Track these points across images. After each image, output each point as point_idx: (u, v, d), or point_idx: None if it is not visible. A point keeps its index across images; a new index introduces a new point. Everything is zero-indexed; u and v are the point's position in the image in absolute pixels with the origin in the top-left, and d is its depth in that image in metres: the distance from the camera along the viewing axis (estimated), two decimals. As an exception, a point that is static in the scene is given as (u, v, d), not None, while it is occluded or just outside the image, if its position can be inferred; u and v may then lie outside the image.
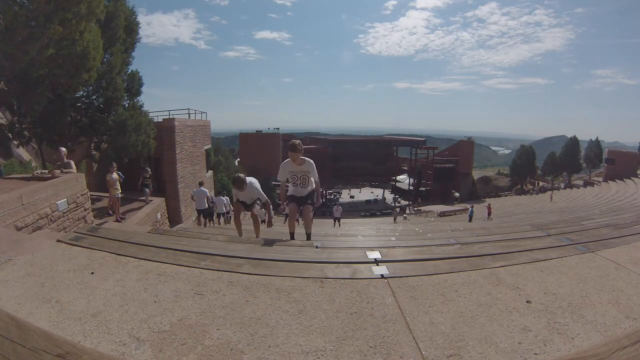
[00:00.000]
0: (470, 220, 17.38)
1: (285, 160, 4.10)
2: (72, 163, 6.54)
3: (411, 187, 46.92)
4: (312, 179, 4.18)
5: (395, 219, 21.20)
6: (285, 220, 5.34)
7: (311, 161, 4.07)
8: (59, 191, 5.32)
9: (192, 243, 2.70)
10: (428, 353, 1.32)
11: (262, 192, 4.80)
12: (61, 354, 0.95)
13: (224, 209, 13.65)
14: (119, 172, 8.56)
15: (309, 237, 4.29)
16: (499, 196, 41.26)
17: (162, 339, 1.39)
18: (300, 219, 4.91)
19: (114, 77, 11.62)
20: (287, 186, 4.32)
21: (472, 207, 19.85)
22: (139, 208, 9.84)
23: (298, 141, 3.91)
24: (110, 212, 8.63)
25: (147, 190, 10.43)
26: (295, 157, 3.93)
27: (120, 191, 8.29)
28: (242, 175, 4.59)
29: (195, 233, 6.34)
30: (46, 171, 6.12)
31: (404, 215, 27.25)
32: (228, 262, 2.21)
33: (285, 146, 4.26)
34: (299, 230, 4.53)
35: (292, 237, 4.24)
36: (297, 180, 4.16)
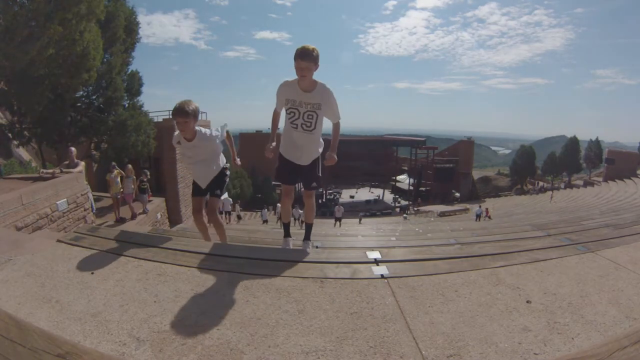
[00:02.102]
0: (477, 219, 17.47)
1: (288, 80, 2.52)
2: (82, 164, 6.53)
3: (411, 187, 46.93)
4: (329, 118, 2.59)
5: (360, 220, 20.29)
6: (279, 220, 3.38)
7: (328, 88, 2.46)
8: (59, 191, 5.32)
9: (192, 243, 2.70)
10: (428, 353, 1.32)
11: (222, 161, 3.09)
12: (61, 354, 0.95)
13: (229, 207, 14.35)
14: (117, 169, 8.29)
15: (308, 230, 3.01)
16: (499, 196, 41.27)
17: (162, 339, 1.39)
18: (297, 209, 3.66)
19: (114, 77, 11.64)
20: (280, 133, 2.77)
21: (479, 206, 19.90)
22: (138, 214, 9.22)
23: (312, 47, 2.35)
24: (119, 218, 8.50)
25: (145, 196, 9.62)
26: (305, 73, 2.34)
27: (121, 189, 8.19)
28: (189, 106, 2.65)
29: (195, 233, 6.34)
30: (51, 170, 6.10)
31: (404, 215, 27.24)
32: (228, 262, 2.21)
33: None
34: (295, 230, 3.69)
35: (288, 232, 3.03)
36: (298, 118, 2.52)
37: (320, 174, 2.81)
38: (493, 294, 1.78)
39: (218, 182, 3.11)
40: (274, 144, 2.70)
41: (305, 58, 2.32)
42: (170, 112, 2.84)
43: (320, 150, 2.76)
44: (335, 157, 2.59)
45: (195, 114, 2.73)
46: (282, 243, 3.02)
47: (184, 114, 2.64)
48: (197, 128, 2.84)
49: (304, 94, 2.47)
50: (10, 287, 1.78)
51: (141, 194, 9.41)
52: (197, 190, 3.15)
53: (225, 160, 3.21)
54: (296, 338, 1.42)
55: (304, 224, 3.16)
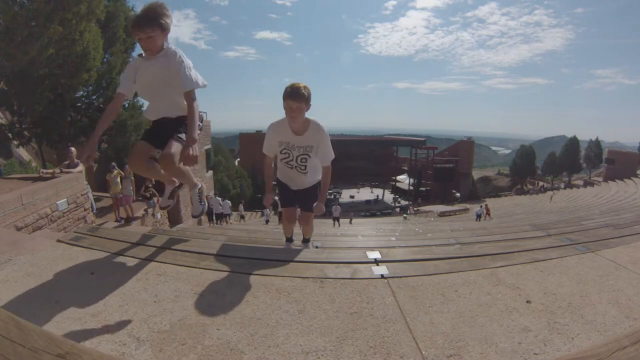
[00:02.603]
0: (478, 219, 17.45)
1: (277, 121, 2.37)
2: (82, 164, 6.53)
3: (411, 187, 46.95)
4: (319, 159, 2.46)
5: (350, 221, 19.48)
6: (280, 220, 3.08)
7: (322, 128, 2.34)
8: (59, 191, 5.32)
9: (192, 243, 2.70)
10: (428, 353, 1.32)
11: (195, 107, 2.09)
12: (61, 354, 0.95)
13: (229, 210, 14.79)
14: (117, 169, 8.15)
15: (307, 242, 3.11)
16: (499, 196, 41.29)
17: (162, 339, 1.39)
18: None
19: (114, 77, 11.66)
20: (277, 167, 2.66)
21: (480, 206, 19.86)
22: (133, 219, 8.60)
23: (303, 85, 2.19)
24: (119, 218, 8.37)
25: (151, 201, 9.10)
26: (296, 115, 2.21)
27: (120, 189, 8.10)
28: (159, 14, 1.98)
29: (195, 233, 6.35)
30: (51, 170, 6.10)
31: (404, 215, 27.26)
32: (228, 262, 2.21)
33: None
34: (295, 230, 3.18)
35: (290, 238, 3.10)
36: (292, 160, 2.45)
37: (318, 196, 2.63)
38: (493, 294, 1.78)
39: (178, 125, 2.24)
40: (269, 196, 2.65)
41: (296, 98, 2.15)
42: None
43: (320, 176, 2.62)
44: (324, 207, 2.57)
45: (163, 27, 2.02)
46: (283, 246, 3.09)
47: (147, 22, 1.94)
48: (167, 46, 2.13)
49: (296, 137, 2.34)
50: (10, 287, 1.78)
51: (148, 200, 9.16)
52: (149, 133, 2.35)
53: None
54: (296, 338, 1.42)
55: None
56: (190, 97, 2.10)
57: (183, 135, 2.18)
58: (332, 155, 2.48)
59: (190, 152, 1.96)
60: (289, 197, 2.71)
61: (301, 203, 2.73)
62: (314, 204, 2.62)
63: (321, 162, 2.51)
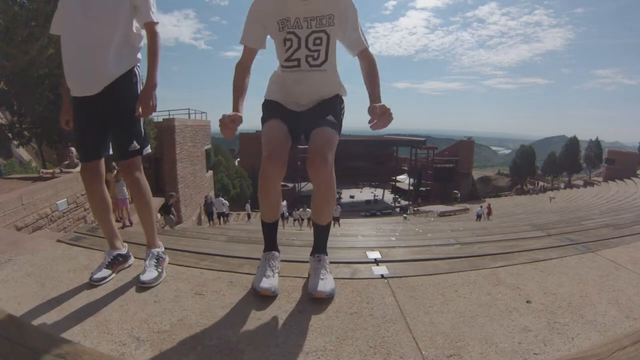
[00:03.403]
0: (478, 219, 17.43)
1: None
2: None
3: (411, 187, 46.97)
4: (348, 42, 1.55)
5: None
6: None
7: None
8: (59, 191, 5.32)
9: (192, 243, 2.70)
10: (428, 353, 1.32)
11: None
12: (61, 354, 0.95)
13: (224, 209, 14.84)
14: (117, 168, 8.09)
15: (322, 235, 1.87)
16: (499, 196, 41.31)
17: (162, 339, 1.39)
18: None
19: (114, 77, 11.62)
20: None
21: (481, 206, 19.82)
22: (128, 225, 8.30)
23: None
24: (119, 217, 8.26)
25: (171, 217, 8.99)
26: None
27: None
28: None
29: (195, 233, 6.35)
30: (51, 170, 6.11)
31: (404, 215, 27.28)
32: (228, 262, 2.21)
33: None
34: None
35: (273, 243, 1.88)
36: (298, 49, 1.51)
37: (341, 112, 1.67)
38: (493, 294, 1.78)
39: (124, 123, 1.69)
40: (233, 114, 1.37)
41: None
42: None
43: (343, 90, 1.70)
44: (385, 106, 1.45)
45: None
46: (258, 269, 1.79)
47: None
48: None
49: (302, 3, 1.43)
50: (10, 287, 1.78)
51: (165, 214, 8.88)
52: (86, 147, 1.86)
53: (139, 60, 1.75)
54: (296, 338, 1.42)
55: (310, 223, 2.03)
56: (154, 30, 1.67)
57: (135, 142, 1.63)
58: (365, 38, 1.54)
59: (150, 102, 1.56)
60: (282, 113, 1.63)
61: (313, 119, 1.59)
62: (330, 117, 1.54)
63: (355, 46, 1.55)
